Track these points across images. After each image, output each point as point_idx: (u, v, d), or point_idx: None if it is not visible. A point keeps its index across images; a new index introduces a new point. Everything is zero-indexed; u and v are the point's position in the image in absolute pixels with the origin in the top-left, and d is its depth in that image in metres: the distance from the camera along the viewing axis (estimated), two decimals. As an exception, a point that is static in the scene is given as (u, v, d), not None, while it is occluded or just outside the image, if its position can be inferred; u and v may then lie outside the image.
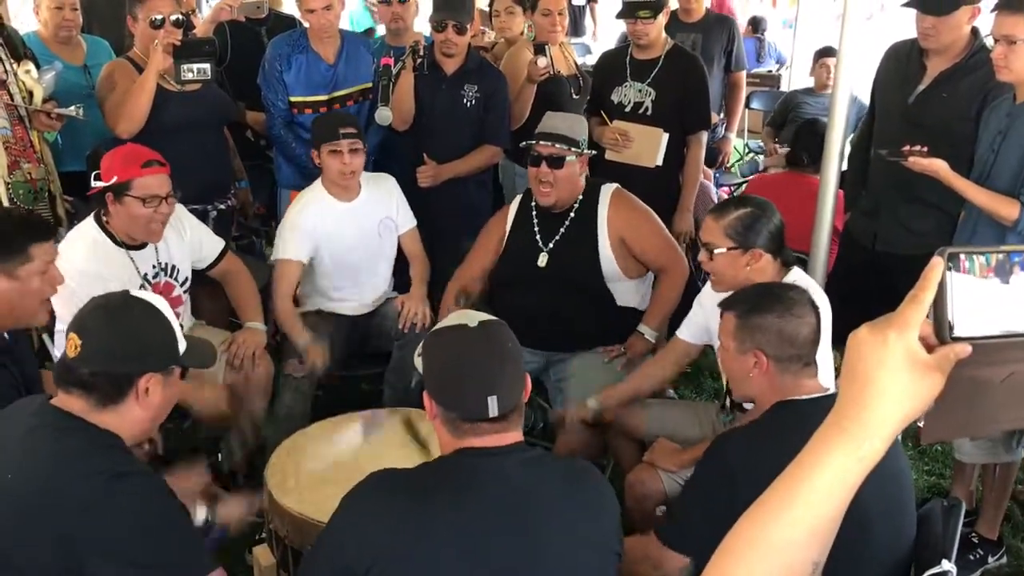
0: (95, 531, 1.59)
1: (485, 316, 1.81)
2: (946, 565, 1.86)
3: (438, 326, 1.84)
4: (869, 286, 3.03)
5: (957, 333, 0.81)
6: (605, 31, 9.22)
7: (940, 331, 0.81)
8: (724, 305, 2.26)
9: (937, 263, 0.80)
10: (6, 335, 2.32)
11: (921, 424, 0.87)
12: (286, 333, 3.28)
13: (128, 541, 1.61)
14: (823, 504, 0.84)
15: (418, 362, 1.81)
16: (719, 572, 0.88)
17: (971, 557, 3.04)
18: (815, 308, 2.15)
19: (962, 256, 0.81)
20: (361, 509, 1.67)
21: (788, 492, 0.85)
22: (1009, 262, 0.82)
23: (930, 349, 0.81)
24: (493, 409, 1.66)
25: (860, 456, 0.82)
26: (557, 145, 3.08)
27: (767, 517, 0.86)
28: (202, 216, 3.47)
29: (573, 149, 3.09)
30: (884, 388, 0.81)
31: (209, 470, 2.28)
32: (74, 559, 1.57)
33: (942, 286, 0.81)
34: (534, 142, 3.13)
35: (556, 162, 3.09)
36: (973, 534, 3.09)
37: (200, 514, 2.13)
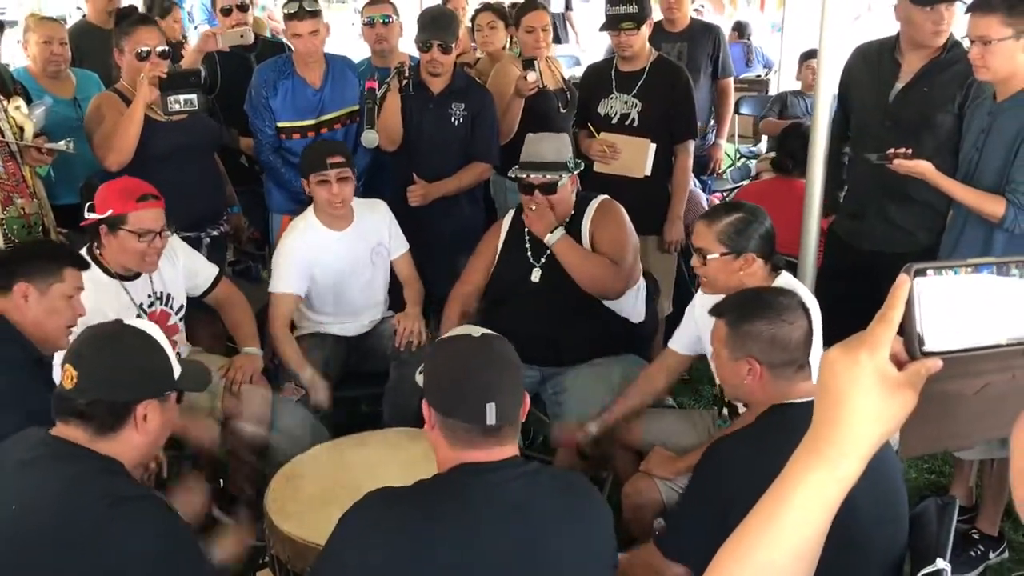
0: (102, 557, 1.60)
1: (488, 331, 1.83)
2: (940, 564, 1.87)
3: (442, 337, 1.86)
4: (858, 287, 3.02)
5: (928, 348, 0.81)
6: (588, 38, 9.22)
7: (910, 347, 0.82)
8: (714, 311, 2.28)
9: (903, 281, 0.81)
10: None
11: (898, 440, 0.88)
12: (287, 366, 3.29)
13: (135, 564, 1.62)
14: (804, 525, 0.85)
15: (419, 379, 1.83)
16: None
17: (972, 554, 3.05)
18: (806, 311, 2.16)
19: (930, 271, 0.82)
20: (359, 527, 1.67)
21: (769, 514, 0.86)
22: (977, 274, 0.83)
23: (903, 365, 0.82)
24: (491, 416, 1.66)
25: (838, 477, 0.84)
26: (548, 175, 3.11)
27: (750, 539, 0.87)
28: (195, 243, 3.49)
29: (563, 174, 3.11)
30: (857, 408, 0.82)
31: (210, 493, 2.28)
32: None
33: (910, 302, 0.81)
34: (523, 174, 3.15)
35: (549, 189, 3.11)
36: (974, 530, 3.09)
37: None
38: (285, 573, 2.33)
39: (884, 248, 3.20)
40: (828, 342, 3.03)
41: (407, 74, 3.70)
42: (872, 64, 3.27)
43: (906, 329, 0.82)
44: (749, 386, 2.14)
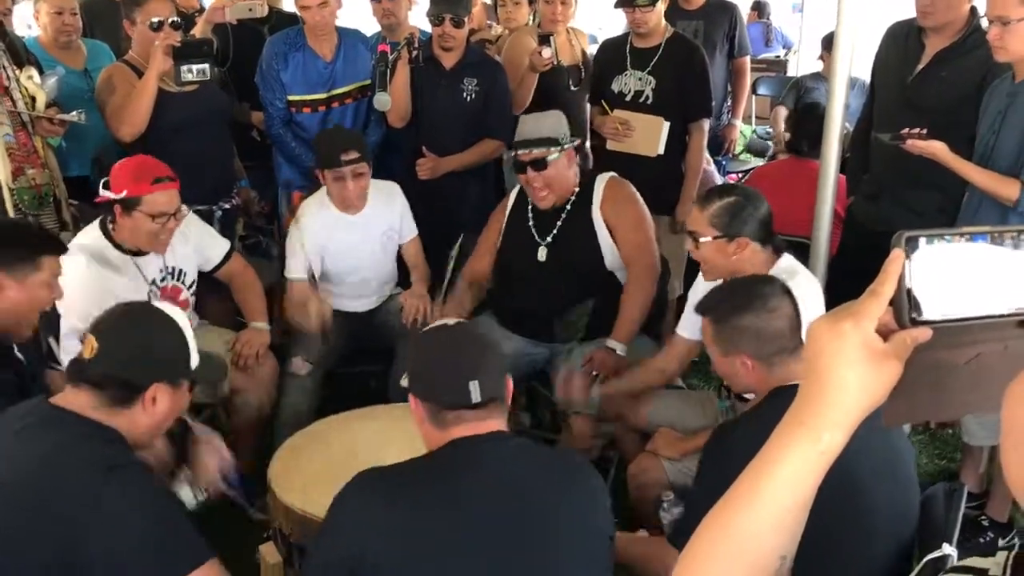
0: (90, 522, 1.60)
1: (463, 320, 1.87)
2: (947, 549, 1.85)
3: (420, 332, 1.89)
4: (873, 269, 3.00)
5: (917, 317, 0.80)
6: (605, 15, 9.10)
7: (899, 316, 0.81)
8: (698, 309, 2.28)
9: (897, 256, 0.80)
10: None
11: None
12: (296, 320, 3.29)
13: (125, 532, 1.62)
14: (786, 496, 0.84)
15: (404, 383, 1.84)
16: (687, 566, 0.89)
17: (981, 540, 3.02)
18: (788, 294, 2.14)
19: (922, 239, 0.80)
20: (353, 504, 1.68)
21: (751, 486, 0.86)
22: (971, 243, 0.81)
23: (890, 335, 0.81)
24: (476, 394, 1.70)
25: (821, 449, 0.83)
26: (535, 150, 3.08)
27: (731, 511, 0.87)
28: (208, 216, 3.49)
29: (552, 148, 3.08)
30: (841, 380, 0.81)
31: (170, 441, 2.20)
32: (71, 552, 1.59)
33: (900, 273, 0.80)
34: (514, 153, 3.14)
35: (539, 164, 3.08)
36: (983, 517, 3.07)
37: (187, 495, 2.12)
38: (288, 546, 2.33)
39: (898, 230, 3.14)
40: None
41: (416, 46, 3.67)
42: (899, 45, 3.23)
43: (895, 297, 0.80)
44: (746, 379, 2.14)
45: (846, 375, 0.81)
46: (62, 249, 2.46)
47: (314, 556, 1.75)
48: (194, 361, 1.91)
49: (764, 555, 0.86)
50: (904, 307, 0.80)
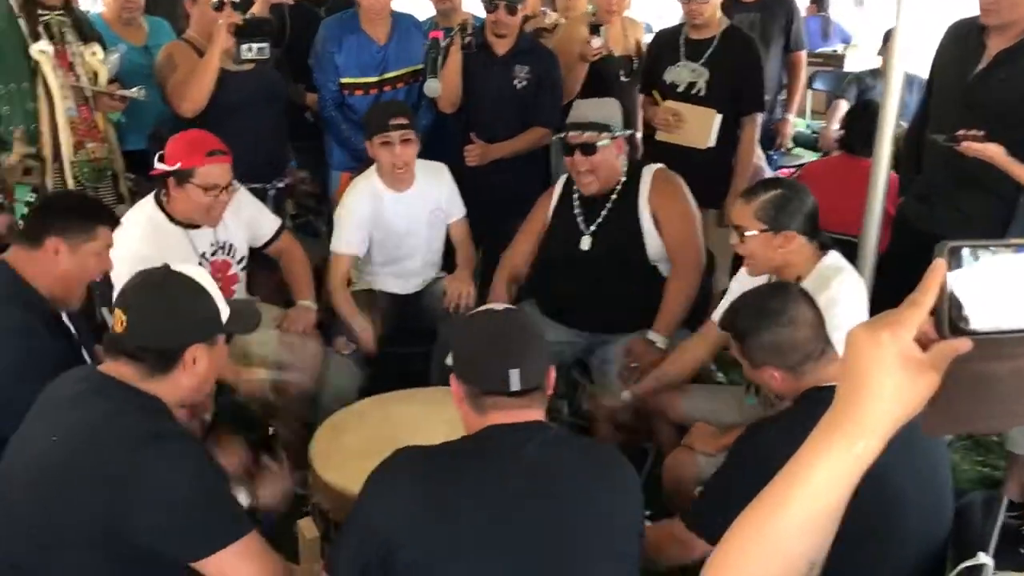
0: (135, 491, 1.63)
1: (510, 306, 1.87)
2: (983, 558, 1.84)
3: (467, 314, 1.90)
4: (921, 271, 2.96)
5: (967, 327, 0.80)
6: (663, 5, 9.02)
7: (940, 327, 0.81)
8: (720, 325, 2.31)
9: (939, 265, 0.80)
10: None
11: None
12: (341, 317, 3.35)
13: (167, 501, 1.65)
14: (819, 502, 0.85)
15: (450, 361, 1.86)
16: (717, 566, 0.90)
17: (1021, 551, 2.97)
18: (806, 298, 2.13)
19: (965, 250, 0.80)
20: (386, 484, 1.70)
21: (785, 489, 0.86)
22: (1016, 255, 0.81)
23: (930, 345, 0.81)
24: (515, 382, 1.69)
25: (856, 454, 0.83)
26: (586, 133, 3.07)
27: (763, 512, 0.88)
28: (262, 195, 3.55)
29: (604, 134, 3.08)
30: (878, 388, 0.81)
31: (249, 448, 2.32)
32: (118, 519, 1.63)
33: (942, 283, 0.80)
34: (563, 134, 3.13)
35: (588, 149, 3.08)
36: (1024, 527, 3.02)
37: (242, 499, 2.17)
38: (326, 522, 2.38)
39: (949, 234, 3.07)
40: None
41: (470, 31, 3.69)
42: (960, 43, 3.15)
43: (936, 308, 0.80)
44: (777, 388, 2.16)
45: (883, 384, 0.81)
46: (117, 222, 2.52)
47: (346, 531, 1.77)
48: (224, 314, 1.91)
49: (792, 559, 0.87)
50: (945, 318, 0.80)
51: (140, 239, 2.88)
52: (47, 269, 2.35)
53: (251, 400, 2.88)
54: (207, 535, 1.69)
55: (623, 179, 3.18)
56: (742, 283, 2.74)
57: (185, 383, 1.83)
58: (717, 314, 2.90)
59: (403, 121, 3.27)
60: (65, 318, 2.46)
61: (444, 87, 3.58)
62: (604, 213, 3.17)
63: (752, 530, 0.88)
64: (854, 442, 0.83)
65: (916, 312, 0.80)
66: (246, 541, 1.72)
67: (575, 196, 3.24)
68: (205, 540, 1.69)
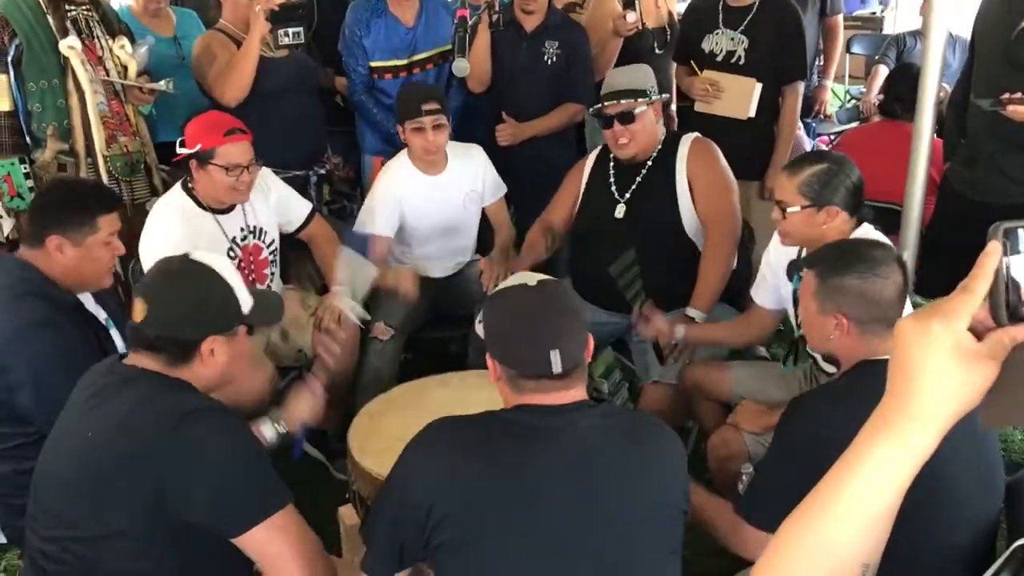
0: (174, 467, 1.63)
1: (545, 277, 1.80)
2: (1041, 534, 1.78)
3: (498, 288, 1.84)
4: (967, 237, 2.87)
5: (1017, 314, 0.75)
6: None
7: (996, 314, 0.76)
8: (807, 263, 2.19)
9: (994, 249, 0.75)
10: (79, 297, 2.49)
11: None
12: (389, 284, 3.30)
13: (206, 474, 1.65)
14: (871, 501, 0.80)
15: (479, 328, 1.81)
16: (767, 567, 0.86)
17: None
18: (902, 266, 2.05)
19: (1021, 231, 0.75)
20: (424, 453, 1.68)
21: (834, 488, 0.82)
22: None
23: (986, 333, 0.76)
24: (557, 364, 1.64)
25: (910, 451, 0.79)
26: (623, 101, 3.02)
27: (813, 514, 0.83)
28: (304, 181, 3.55)
29: (640, 100, 3.02)
30: (930, 380, 0.76)
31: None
32: (161, 496, 1.63)
33: (997, 267, 0.75)
34: (600, 106, 3.08)
35: (627, 118, 3.03)
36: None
37: (268, 432, 2.17)
38: (366, 509, 2.37)
39: (995, 199, 2.99)
40: (931, 291, 2.89)
41: (497, 9, 3.64)
42: (1004, 1, 3.04)
43: (992, 294, 0.75)
44: (835, 341, 2.05)
45: (936, 375, 0.76)
46: (116, 204, 2.53)
47: (383, 499, 1.74)
48: (245, 306, 1.89)
49: (846, 563, 0.82)
50: (1002, 303, 0.75)
51: (172, 225, 2.89)
52: (57, 265, 2.39)
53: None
54: (248, 505, 1.69)
55: (660, 146, 3.12)
56: (774, 254, 2.69)
57: (205, 374, 1.82)
58: (757, 295, 2.84)
59: (435, 106, 3.24)
60: (92, 304, 2.50)
61: (473, 66, 3.54)
62: (639, 180, 3.12)
63: (800, 532, 0.84)
64: (906, 439, 0.78)
65: (969, 299, 0.75)
66: (284, 515, 1.71)
67: (611, 164, 3.19)
68: (247, 510, 1.68)
